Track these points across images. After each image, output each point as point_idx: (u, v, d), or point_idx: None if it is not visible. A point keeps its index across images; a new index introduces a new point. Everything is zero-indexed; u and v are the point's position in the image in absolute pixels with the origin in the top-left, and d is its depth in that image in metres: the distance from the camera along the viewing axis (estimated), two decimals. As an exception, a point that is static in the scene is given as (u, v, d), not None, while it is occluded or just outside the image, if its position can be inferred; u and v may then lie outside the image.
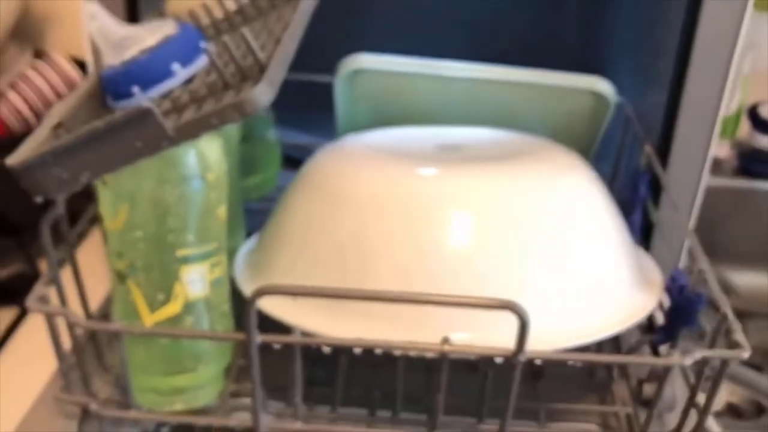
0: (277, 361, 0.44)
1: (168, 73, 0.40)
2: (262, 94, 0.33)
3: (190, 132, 0.34)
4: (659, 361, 0.40)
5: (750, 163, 1.03)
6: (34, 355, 0.53)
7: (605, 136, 0.64)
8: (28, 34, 0.86)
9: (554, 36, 0.79)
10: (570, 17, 0.78)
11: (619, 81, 0.62)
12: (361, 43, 0.61)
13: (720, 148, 1.03)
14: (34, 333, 0.57)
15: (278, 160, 0.66)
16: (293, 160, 0.62)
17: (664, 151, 0.61)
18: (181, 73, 0.40)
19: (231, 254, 0.53)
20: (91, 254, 0.60)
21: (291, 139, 0.76)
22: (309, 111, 0.66)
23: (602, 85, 0.59)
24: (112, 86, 0.41)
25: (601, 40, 0.77)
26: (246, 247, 0.55)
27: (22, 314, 0.60)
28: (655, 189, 0.61)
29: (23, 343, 0.57)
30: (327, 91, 0.62)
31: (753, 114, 1.02)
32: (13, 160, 0.35)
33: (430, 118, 0.61)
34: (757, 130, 1.02)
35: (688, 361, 0.39)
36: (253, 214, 0.63)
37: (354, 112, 0.62)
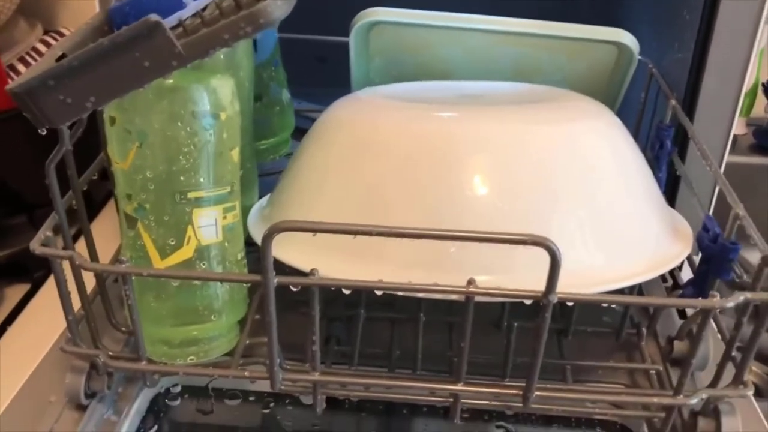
0: (294, 323, 0.42)
1: (178, 3, 0.38)
2: (277, 5, 0.31)
3: (201, 48, 0.32)
4: (699, 303, 0.38)
5: (767, 140, 1.01)
6: (44, 326, 0.52)
7: (625, 98, 0.62)
8: (38, 11, 0.85)
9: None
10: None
11: (639, 39, 0.60)
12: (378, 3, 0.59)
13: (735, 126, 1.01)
14: (45, 306, 0.56)
15: (292, 124, 0.64)
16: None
17: (687, 106, 0.59)
18: (191, 3, 0.38)
19: (245, 212, 0.52)
20: (104, 228, 0.59)
21: (308, 108, 0.75)
22: (328, 87, 0.65)
23: (625, 37, 0.57)
24: (120, 19, 0.39)
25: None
26: (259, 204, 0.53)
27: (35, 289, 0.59)
28: (680, 145, 0.59)
29: (34, 315, 0.55)
30: (346, 67, 0.60)
31: (769, 90, 1.00)
32: (13, 84, 0.33)
33: (447, 72, 0.59)
34: (774, 105, 1.00)
35: (730, 303, 0.37)
36: (267, 181, 0.61)
37: (369, 67, 0.60)
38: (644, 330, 0.51)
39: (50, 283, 0.58)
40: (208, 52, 0.32)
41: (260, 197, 0.56)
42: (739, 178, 1.03)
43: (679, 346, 0.50)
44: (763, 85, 1.01)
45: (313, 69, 0.77)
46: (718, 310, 0.38)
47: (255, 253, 0.47)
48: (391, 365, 0.49)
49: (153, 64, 0.32)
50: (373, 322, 0.51)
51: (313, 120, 0.56)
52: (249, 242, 0.48)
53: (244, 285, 0.45)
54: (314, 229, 0.36)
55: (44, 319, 0.54)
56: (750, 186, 1.02)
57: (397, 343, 0.50)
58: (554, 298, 0.37)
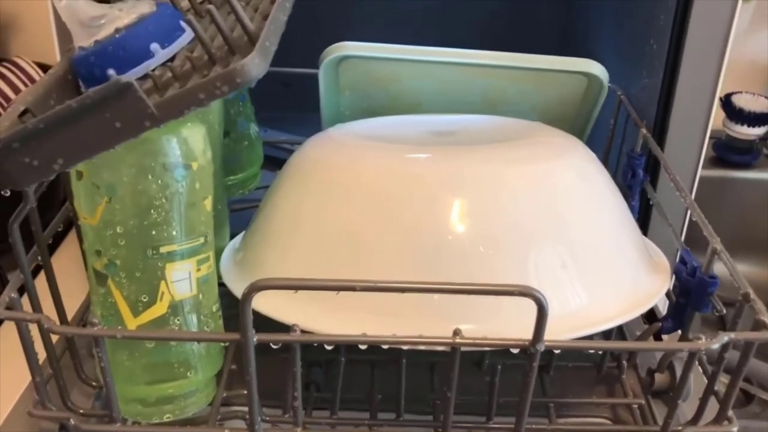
0: (270, 366, 0.41)
1: (146, 54, 0.37)
2: (254, 64, 0.30)
3: (175, 108, 0.31)
4: (685, 346, 0.38)
5: (726, 152, 1.03)
6: (6, 371, 0.49)
7: (594, 124, 0.62)
8: (-8, 41, 0.82)
9: (539, 22, 0.78)
10: (555, 3, 0.77)
11: (607, 66, 0.60)
12: (342, 38, 0.58)
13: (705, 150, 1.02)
14: (6, 347, 0.53)
15: (260, 157, 0.63)
16: (277, 161, 0.59)
17: (658, 133, 0.59)
18: (160, 53, 0.37)
19: (217, 254, 0.50)
20: (67, 261, 0.56)
21: (274, 137, 0.74)
22: (293, 112, 0.63)
23: (595, 67, 0.57)
24: (84, 69, 0.38)
25: (586, 26, 0.76)
26: (231, 245, 0.52)
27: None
28: (652, 171, 0.59)
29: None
30: (311, 91, 0.59)
31: (727, 103, 1.01)
32: (-25, 148, 0.31)
33: (418, 104, 0.59)
34: (732, 119, 1.01)
35: (715, 345, 0.37)
36: (237, 215, 0.60)
37: (339, 102, 0.59)
38: (625, 363, 0.51)
39: (10, 328, 0.55)
40: (183, 113, 0.31)
41: (231, 232, 0.55)
42: (700, 191, 1.05)
43: (660, 379, 0.50)
44: (721, 99, 1.03)
45: (278, 94, 0.76)
46: (702, 352, 0.38)
47: (228, 296, 0.46)
48: (373, 409, 0.48)
49: (124, 125, 0.31)
50: (354, 366, 0.50)
51: (281, 149, 0.55)
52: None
53: (221, 336, 0.43)
54: (295, 286, 0.35)
55: (7, 372, 0.51)
56: (710, 198, 1.04)
57: (379, 387, 0.49)
58: (542, 347, 0.36)
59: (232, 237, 0.55)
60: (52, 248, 0.65)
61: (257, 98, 0.63)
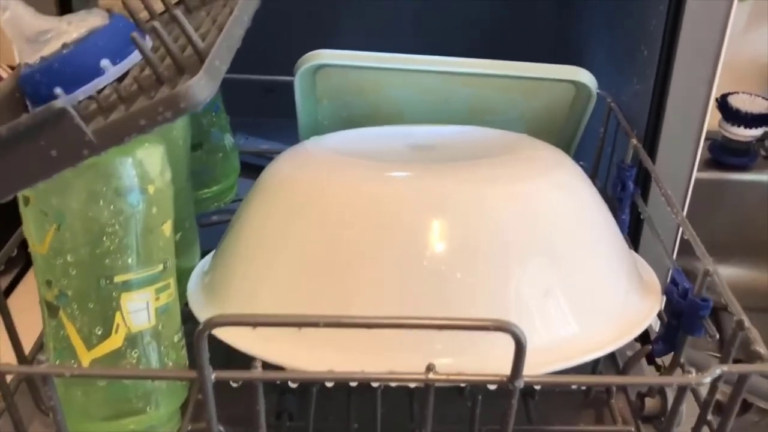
0: (242, 389, 0.39)
1: (95, 71, 0.34)
2: (200, 86, 0.27)
3: (115, 135, 0.28)
4: (675, 381, 0.36)
5: (722, 154, 1.00)
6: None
7: (584, 129, 0.59)
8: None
9: (527, 28, 0.75)
10: (543, 8, 0.74)
11: (597, 73, 0.57)
12: (324, 43, 0.56)
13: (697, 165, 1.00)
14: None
15: (236, 169, 0.60)
16: (259, 170, 0.57)
17: (649, 143, 0.56)
18: (111, 70, 0.34)
19: (185, 275, 0.48)
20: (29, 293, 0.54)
21: (252, 146, 0.72)
22: (277, 117, 0.61)
23: (583, 75, 0.54)
24: (30, 88, 0.35)
25: (581, 32, 0.73)
26: (200, 267, 0.50)
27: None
28: (642, 183, 0.57)
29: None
30: (289, 95, 0.56)
31: (724, 104, 0.99)
32: None
33: (398, 116, 0.56)
34: (729, 120, 0.99)
35: (707, 379, 0.35)
36: (211, 230, 0.57)
37: (316, 112, 0.56)
38: (614, 387, 0.49)
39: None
40: (123, 140, 0.28)
41: (206, 248, 0.52)
42: (696, 193, 1.03)
43: (651, 403, 0.47)
44: (717, 100, 1.00)
45: (261, 100, 0.73)
46: (694, 385, 0.35)
47: (194, 321, 0.44)
48: (349, 439, 0.46)
49: (61, 154, 0.28)
50: (329, 393, 0.48)
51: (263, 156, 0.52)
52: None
53: (184, 366, 0.41)
54: (253, 323, 0.33)
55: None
56: (707, 201, 1.01)
57: (355, 415, 0.47)
58: (521, 384, 0.34)
59: (205, 254, 0.52)
60: (19, 276, 0.63)
61: (239, 105, 0.61)
